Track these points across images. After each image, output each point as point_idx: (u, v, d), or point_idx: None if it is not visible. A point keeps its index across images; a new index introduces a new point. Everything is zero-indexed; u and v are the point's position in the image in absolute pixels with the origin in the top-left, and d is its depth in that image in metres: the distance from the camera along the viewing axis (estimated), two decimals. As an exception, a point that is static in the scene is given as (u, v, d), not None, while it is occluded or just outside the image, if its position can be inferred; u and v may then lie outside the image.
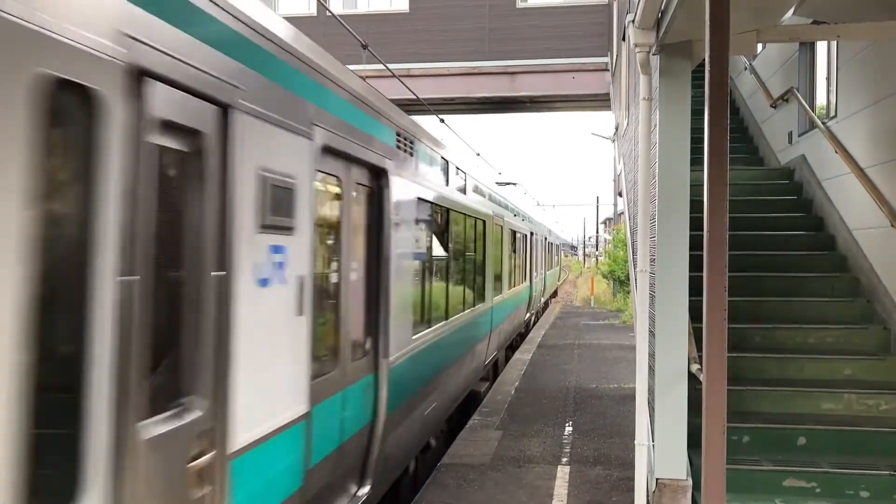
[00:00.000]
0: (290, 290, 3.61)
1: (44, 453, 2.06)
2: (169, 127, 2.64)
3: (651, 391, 5.56)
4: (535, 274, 19.88)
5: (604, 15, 17.96)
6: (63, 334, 2.21)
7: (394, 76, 10.62)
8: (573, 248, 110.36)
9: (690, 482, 5.26)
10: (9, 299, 1.91)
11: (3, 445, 1.88)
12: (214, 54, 2.87)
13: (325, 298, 4.30)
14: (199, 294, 2.87)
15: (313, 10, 18.74)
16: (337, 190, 4.47)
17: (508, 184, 21.83)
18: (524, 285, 16.94)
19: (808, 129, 8.80)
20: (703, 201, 3.11)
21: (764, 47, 10.56)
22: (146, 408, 2.51)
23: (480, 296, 10.23)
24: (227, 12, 3.02)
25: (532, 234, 18.99)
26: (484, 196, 10.64)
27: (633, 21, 5.54)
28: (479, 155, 17.07)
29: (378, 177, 5.14)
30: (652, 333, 5.58)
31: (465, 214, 8.87)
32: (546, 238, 25.46)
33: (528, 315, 18.48)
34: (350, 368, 4.66)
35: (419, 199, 6.19)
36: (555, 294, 35.55)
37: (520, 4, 18.59)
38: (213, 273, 2.94)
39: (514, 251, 14.89)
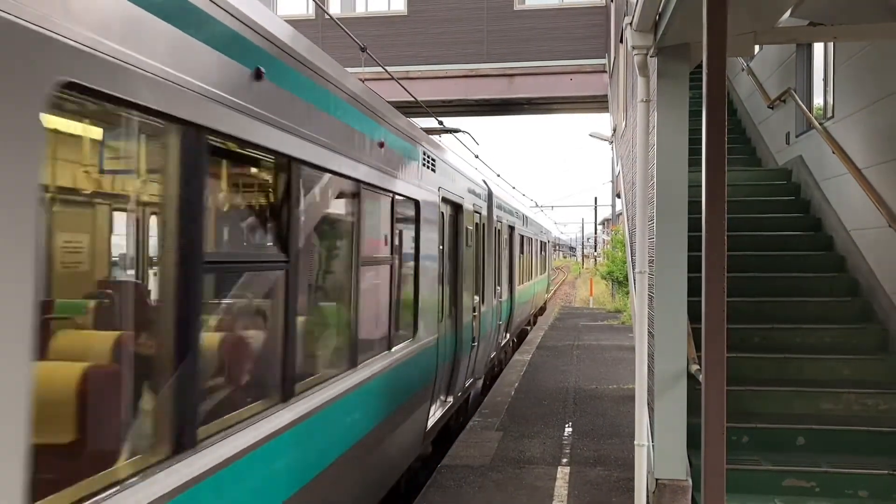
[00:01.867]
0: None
1: None
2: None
3: (650, 392, 5.58)
4: (474, 301, 9.91)
5: (601, 17, 18.01)
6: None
7: (392, 78, 10.65)
8: (572, 248, 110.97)
9: (690, 482, 5.27)
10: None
11: None
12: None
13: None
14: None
15: (311, 13, 18.78)
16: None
17: (447, 130, 11.74)
18: (430, 340, 7.18)
19: (805, 129, 8.83)
20: (701, 202, 3.13)
21: (761, 49, 10.59)
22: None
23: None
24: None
25: (481, 213, 10.60)
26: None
27: (630, 24, 5.56)
28: (477, 157, 16.91)
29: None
30: (651, 334, 5.59)
31: None
32: (515, 228, 15.76)
33: (439, 412, 8.07)
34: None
35: None
36: (542, 310, 27.34)
37: (517, 7, 18.63)
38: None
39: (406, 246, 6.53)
